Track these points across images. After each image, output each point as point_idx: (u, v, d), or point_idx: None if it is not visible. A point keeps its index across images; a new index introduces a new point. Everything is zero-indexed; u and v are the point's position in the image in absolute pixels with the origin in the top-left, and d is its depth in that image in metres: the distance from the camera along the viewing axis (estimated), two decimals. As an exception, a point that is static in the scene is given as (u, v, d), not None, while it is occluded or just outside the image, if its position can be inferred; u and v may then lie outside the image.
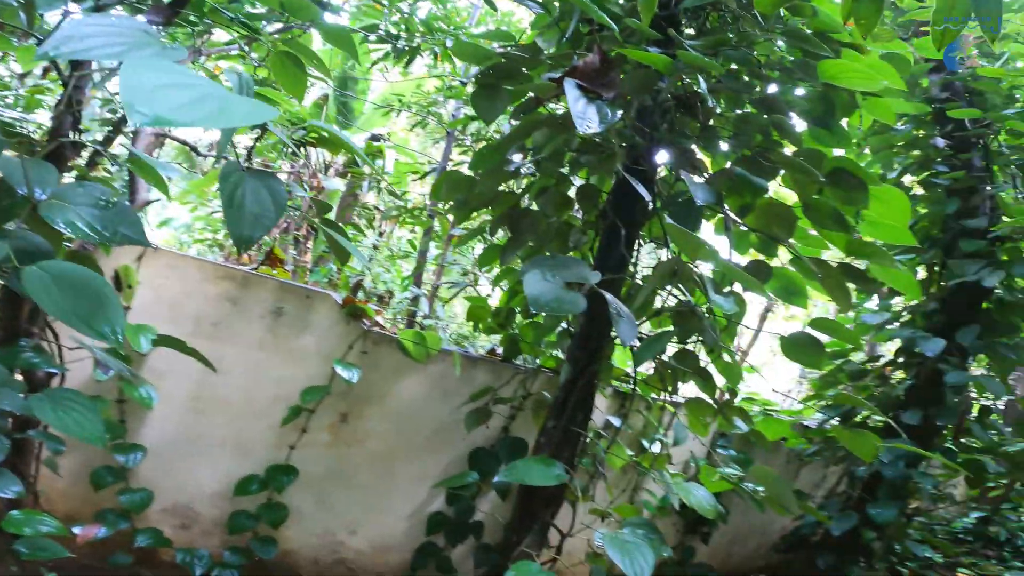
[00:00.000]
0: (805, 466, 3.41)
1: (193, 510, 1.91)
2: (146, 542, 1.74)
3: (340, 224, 4.16)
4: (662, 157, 1.88)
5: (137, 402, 1.67)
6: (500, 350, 2.33)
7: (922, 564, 3.67)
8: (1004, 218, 2.72)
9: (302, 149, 3.16)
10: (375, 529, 2.20)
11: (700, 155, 1.87)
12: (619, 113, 1.44)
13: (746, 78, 1.80)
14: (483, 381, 2.17)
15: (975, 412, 3.07)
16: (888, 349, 4.35)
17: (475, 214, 2.30)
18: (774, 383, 3.40)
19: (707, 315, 1.72)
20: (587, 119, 1.34)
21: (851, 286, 1.70)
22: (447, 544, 2.25)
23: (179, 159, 4.84)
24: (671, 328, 1.61)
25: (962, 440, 2.89)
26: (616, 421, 2.42)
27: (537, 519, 1.87)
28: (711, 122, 1.83)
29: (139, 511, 1.76)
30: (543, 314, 2.06)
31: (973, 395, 3.18)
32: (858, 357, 3.35)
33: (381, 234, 4.87)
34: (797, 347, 1.70)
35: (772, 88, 1.79)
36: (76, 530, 1.59)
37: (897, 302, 3.17)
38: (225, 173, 0.97)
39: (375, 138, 5.28)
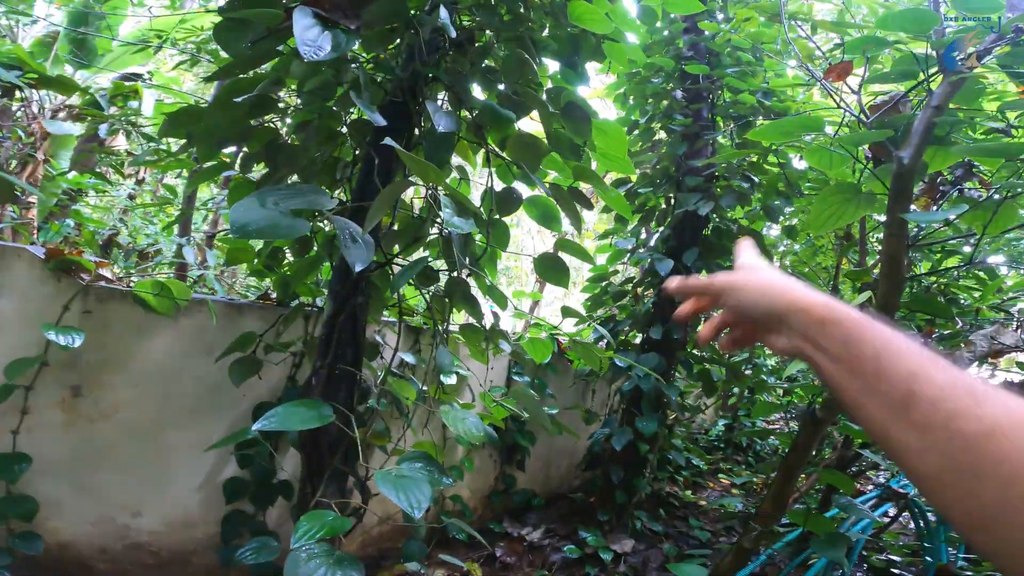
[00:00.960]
0: (593, 386, 3.89)
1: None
2: None
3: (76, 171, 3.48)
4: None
5: None
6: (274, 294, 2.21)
7: (693, 472, 4.47)
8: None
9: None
10: (164, 506, 1.99)
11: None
12: (355, 42, 1.41)
13: (507, 17, 1.89)
14: (253, 329, 2.03)
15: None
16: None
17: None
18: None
19: (472, 241, 1.83)
20: (317, 47, 1.30)
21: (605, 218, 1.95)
22: (257, 510, 2.13)
23: None
24: (427, 254, 1.67)
25: (695, 352, 3.48)
26: (410, 358, 2.48)
27: (326, 467, 1.85)
28: (481, 61, 1.90)
29: None
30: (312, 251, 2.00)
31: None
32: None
33: (141, 182, 4.19)
34: (547, 267, 1.89)
35: (527, 27, 1.90)
36: None
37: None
38: None
39: (129, 78, 4.50)
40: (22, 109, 3.80)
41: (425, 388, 2.19)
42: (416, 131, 1.88)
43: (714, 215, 3.18)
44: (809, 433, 1.69)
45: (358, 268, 1.18)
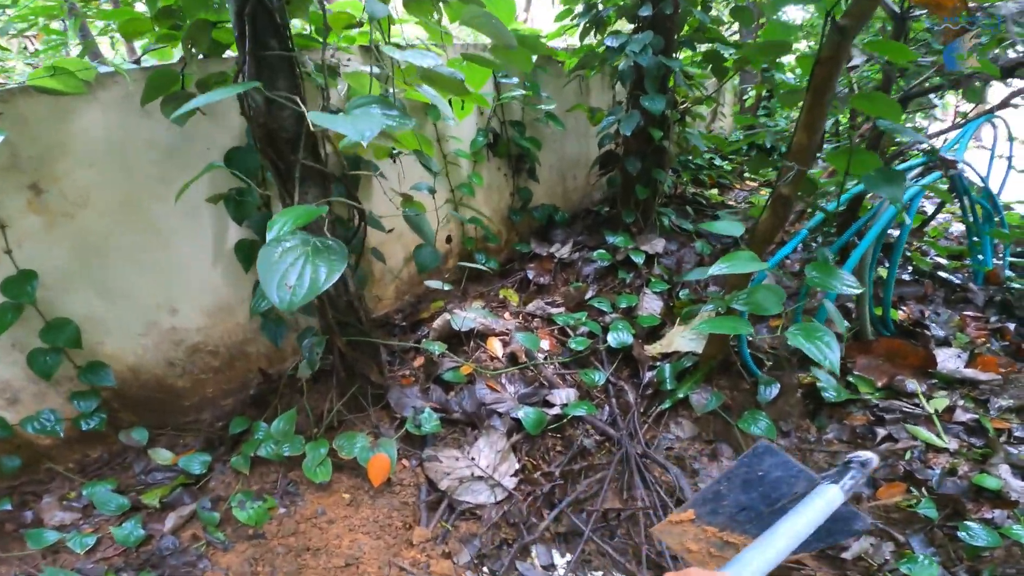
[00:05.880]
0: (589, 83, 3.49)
1: None
2: None
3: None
4: None
5: None
6: None
7: (718, 173, 4.20)
8: None
9: None
10: (192, 293, 1.99)
11: None
12: None
13: None
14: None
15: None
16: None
17: None
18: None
19: None
20: None
21: None
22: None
23: None
24: None
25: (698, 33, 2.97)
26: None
27: (292, 165, 1.66)
28: None
29: None
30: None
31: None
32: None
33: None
34: None
35: None
36: None
37: None
38: None
39: None
40: None
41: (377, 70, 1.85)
42: None
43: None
44: (834, 43, 1.36)
45: None
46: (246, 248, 1.99)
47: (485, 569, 1.69)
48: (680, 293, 2.70)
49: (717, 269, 1.56)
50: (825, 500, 0.74)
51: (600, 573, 1.67)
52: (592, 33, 2.98)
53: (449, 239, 2.91)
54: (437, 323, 2.34)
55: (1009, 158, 2.85)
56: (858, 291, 1.51)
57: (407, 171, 2.44)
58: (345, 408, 2.03)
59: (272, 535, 1.65)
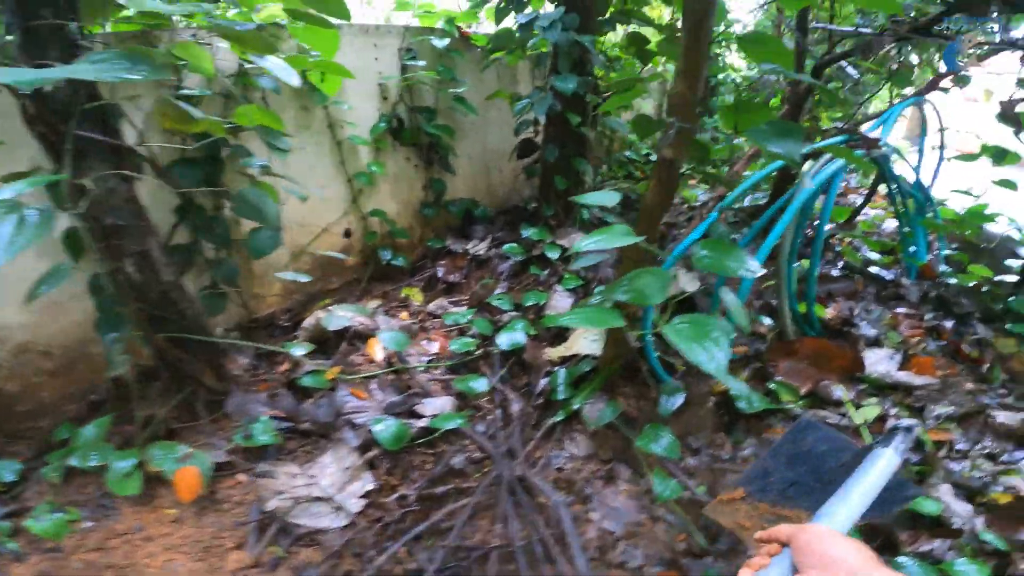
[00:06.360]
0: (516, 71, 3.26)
1: None
2: None
3: None
4: None
5: None
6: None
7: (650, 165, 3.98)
8: None
9: None
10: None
11: None
12: None
13: None
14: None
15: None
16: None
17: None
18: None
19: None
20: None
21: None
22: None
23: None
24: None
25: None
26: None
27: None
28: None
29: None
30: None
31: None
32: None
33: None
34: None
35: None
36: None
37: None
38: None
39: None
40: None
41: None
42: None
43: None
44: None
45: None
46: (76, 238, 1.68)
47: (327, 607, 1.39)
48: (597, 290, 2.43)
49: (586, 244, 1.30)
50: (884, 463, 0.73)
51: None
52: (512, 15, 2.75)
53: (348, 233, 2.62)
54: (308, 322, 2.04)
55: (941, 148, 2.64)
56: (756, 274, 1.25)
57: (294, 157, 2.17)
58: (178, 415, 1.73)
59: (72, 550, 1.45)
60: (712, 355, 1.10)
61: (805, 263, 2.19)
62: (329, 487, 1.54)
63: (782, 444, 0.90)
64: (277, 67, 1.58)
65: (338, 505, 1.52)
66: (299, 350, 1.86)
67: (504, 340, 2.02)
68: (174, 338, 1.65)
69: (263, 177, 1.97)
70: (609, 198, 1.35)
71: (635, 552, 1.49)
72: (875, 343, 2.02)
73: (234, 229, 2.04)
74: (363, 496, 1.55)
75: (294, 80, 1.60)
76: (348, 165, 2.49)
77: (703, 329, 1.16)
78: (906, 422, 0.82)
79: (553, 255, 2.56)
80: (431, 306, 2.46)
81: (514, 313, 2.27)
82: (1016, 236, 2.60)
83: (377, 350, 2.04)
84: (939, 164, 2.71)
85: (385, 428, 1.64)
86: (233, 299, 2.22)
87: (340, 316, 2.00)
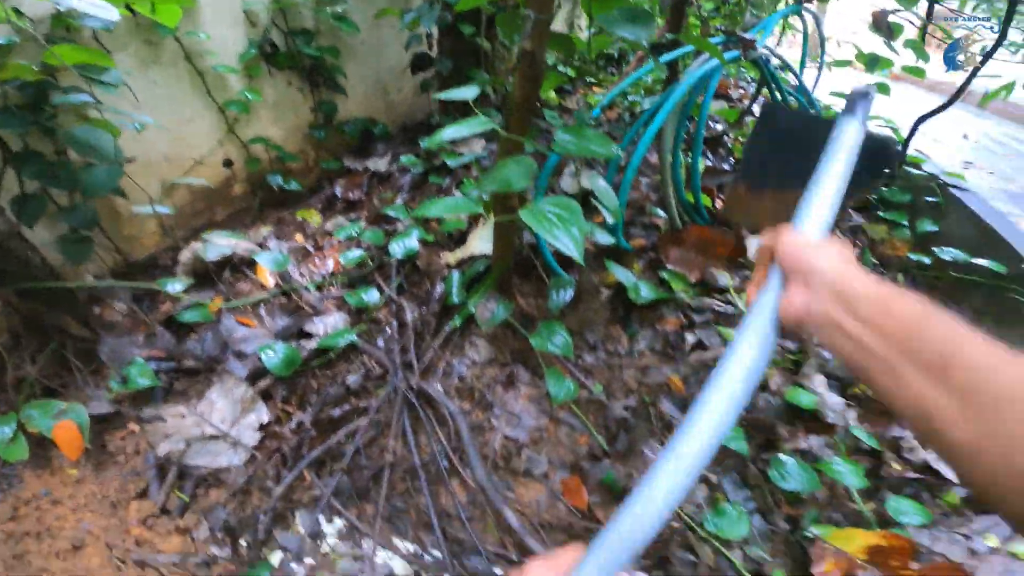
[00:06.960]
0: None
1: None
2: None
3: None
4: None
5: None
6: None
7: (559, 79, 3.76)
8: None
9: None
10: None
11: None
12: None
13: None
14: None
15: None
16: None
17: None
18: None
19: None
20: None
21: None
22: None
23: None
24: None
25: None
26: None
27: None
28: None
29: None
30: None
31: None
32: None
33: None
34: None
35: None
36: None
37: None
38: None
39: None
40: None
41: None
42: None
43: None
44: None
45: None
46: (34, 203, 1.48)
47: (242, 542, 1.41)
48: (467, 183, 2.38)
49: (447, 134, 1.26)
50: (848, 136, 0.70)
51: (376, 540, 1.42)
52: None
53: (228, 163, 2.41)
54: (184, 256, 1.91)
55: (821, 55, 2.76)
56: (611, 155, 1.22)
57: (148, 93, 1.93)
58: (56, 372, 1.63)
59: (-7, 521, 1.39)
60: (557, 236, 1.07)
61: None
62: (221, 423, 1.51)
63: (759, 131, 0.85)
64: (85, 4, 1.35)
65: (235, 440, 1.50)
66: (176, 285, 1.75)
67: (398, 248, 1.94)
68: (25, 291, 1.51)
69: (106, 115, 1.75)
70: (469, 92, 1.28)
71: (539, 459, 1.51)
72: (756, 230, 2.08)
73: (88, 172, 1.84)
74: (259, 428, 1.54)
75: (112, 15, 1.39)
76: (216, 95, 2.24)
77: (551, 213, 1.12)
78: (860, 88, 0.77)
79: (453, 163, 2.46)
80: (328, 225, 2.35)
81: (408, 222, 2.20)
82: (891, 134, 2.74)
83: (268, 276, 1.95)
84: (820, 70, 3.02)
85: (274, 355, 1.59)
86: (103, 244, 2.05)
87: (219, 245, 1.88)
